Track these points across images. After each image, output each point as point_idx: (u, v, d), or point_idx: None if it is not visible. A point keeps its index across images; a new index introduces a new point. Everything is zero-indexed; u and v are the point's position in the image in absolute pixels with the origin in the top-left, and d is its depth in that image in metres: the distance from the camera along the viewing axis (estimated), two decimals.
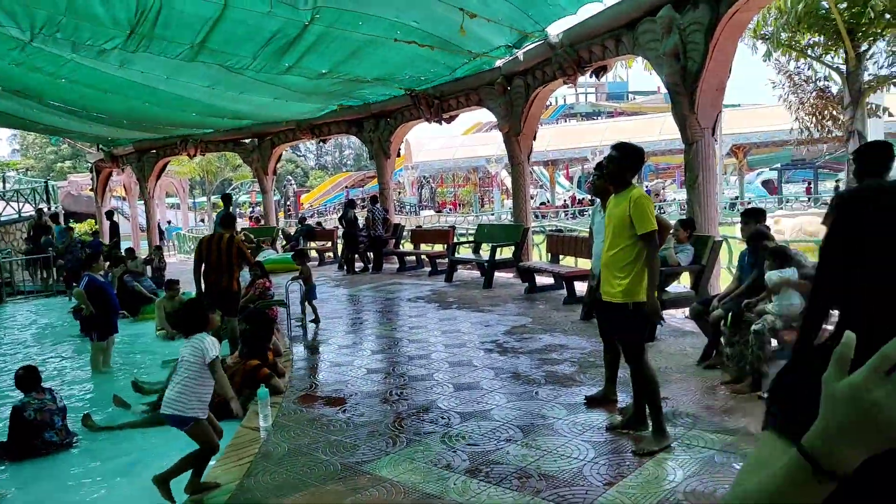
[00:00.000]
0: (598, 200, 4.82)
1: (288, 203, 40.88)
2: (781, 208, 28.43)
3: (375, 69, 12.41)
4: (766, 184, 44.05)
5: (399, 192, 47.91)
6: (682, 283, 7.95)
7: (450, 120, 14.12)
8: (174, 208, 39.62)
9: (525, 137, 11.76)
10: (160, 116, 15.55)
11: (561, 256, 10.43)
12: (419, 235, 14.38)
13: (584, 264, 10.49)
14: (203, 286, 7.81)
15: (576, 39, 9.47)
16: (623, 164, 4.18)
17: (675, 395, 4.95)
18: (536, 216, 33.38)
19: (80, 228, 27.37)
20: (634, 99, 77.22)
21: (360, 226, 14.76)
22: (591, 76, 10.19)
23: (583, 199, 39.90)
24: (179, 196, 35.67)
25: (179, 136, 19.72)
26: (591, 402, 4.97)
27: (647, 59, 8.26)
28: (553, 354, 6.56)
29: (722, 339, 5.31)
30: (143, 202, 22.89)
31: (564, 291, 9.43)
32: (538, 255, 13.62)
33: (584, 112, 66.29)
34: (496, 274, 11.78)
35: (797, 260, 4.97)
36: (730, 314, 5.07)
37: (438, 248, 14.67)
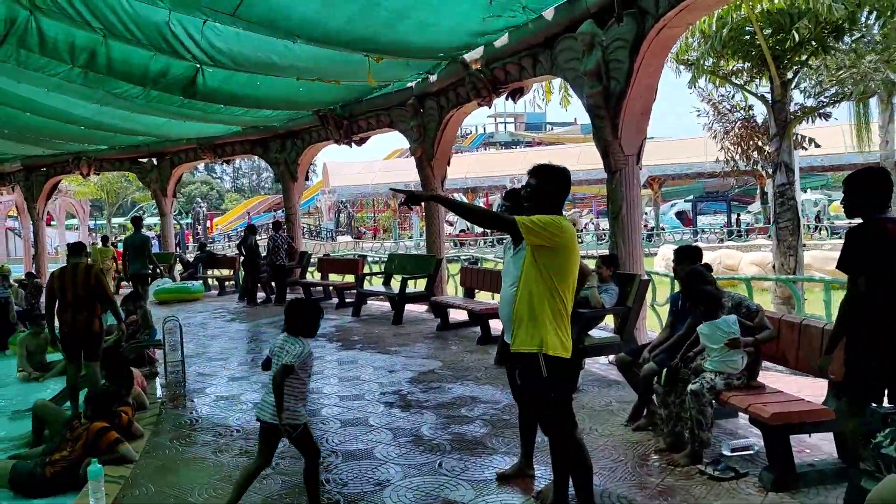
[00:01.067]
0: (508, 236, 3.98)
1: (198, 227, 38.70)
2: (698, 241, 28.86)
3: (279, 97, 11.45)
4: (680, 215, 45.31)
5: (317, 218, 46.47)
6: (606, 322, 7.29)
7: (360, 142, 13.22)
8: (75, 230, 36.69)
9: (439, 162, 10.99)
10: (44, 128, 13.89)
11: (476, 291, 9.64)
12: (327, 264, 13.30)
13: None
14: (56, 326, 6.59)
15: (490, 59, 8.80)
16: (547, 190, 3.39)
17: (604, 468, 4.15)
18: (455, 244, 32.94)
19: None
20: (552, 129, 79.06)
21: (263, 253, 13.55)
22: (507, 99, 9.53)
23: None
24: (79, 217, 33.00)
25: (72, 154, 17.93)
26: (504, 479, 4.11)
27: (567, 79, 7.65)
28: (463, 410, 5.67)
29: (654, 398, 4.57)
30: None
31: (479, 330, 8.61)
32: (454, 287, 12.83)
33: (504, 141, 67.15)
34: (408, 308, 10.87)
35: (745, 305, 4.31)
36: (664, 370, 4.33)
37: (350, 278, 13.67)
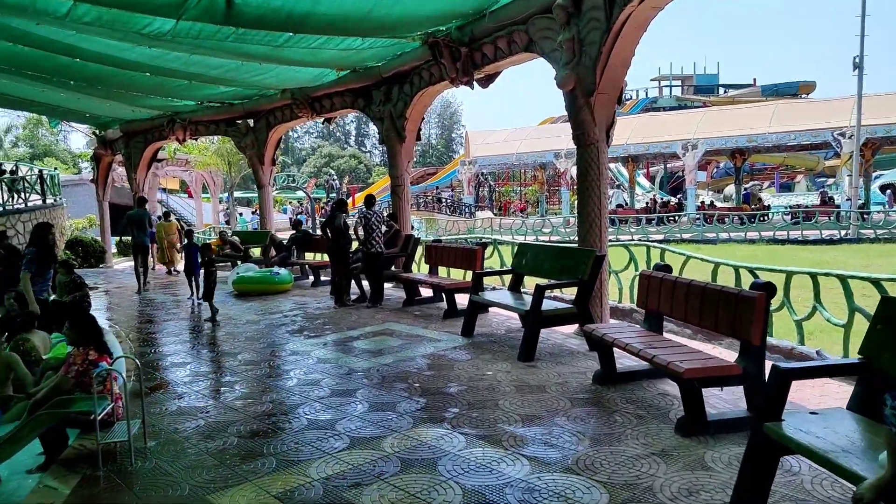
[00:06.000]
0: None
1: (329, 202, 36.94)
2: None
3: (354, 13, 7.96)
4: (886, 189, 36.59)
5: (459, 192, 43.31)
6: None
7: (486, 81, 9.34)
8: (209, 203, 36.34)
9: (604, 99, 6.85)
10: (107, 76, 11.57)
11: (667, 317, 5.49)
12: (436, 254, 9.61)
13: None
14: None
15: None
16: None
17: None
18: (612, 222, 28.11)
19: (79, 224, 24.07)
20: (727, 92, 69.99)
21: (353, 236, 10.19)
22: None
23: (668, 202, 34.03)
24: (210, 190, 32.25)
25: (166, 117, 15.88)
26: None
27: None
28: None
29: None
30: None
31: (676, 394, 4.52)
32: (625, 293, 8.79)
33: (669, 106, 59.99)
34: (550, 330, 6.97)
35: None
36: None
37: (461, 274, 10.04)
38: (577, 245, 7.18)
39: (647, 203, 33.53)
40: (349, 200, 44.61)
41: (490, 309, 8.37)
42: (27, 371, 5.92)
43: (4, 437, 4.10)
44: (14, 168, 23.13)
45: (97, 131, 19.88)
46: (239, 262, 13.61)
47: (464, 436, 4.43)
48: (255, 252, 14.92)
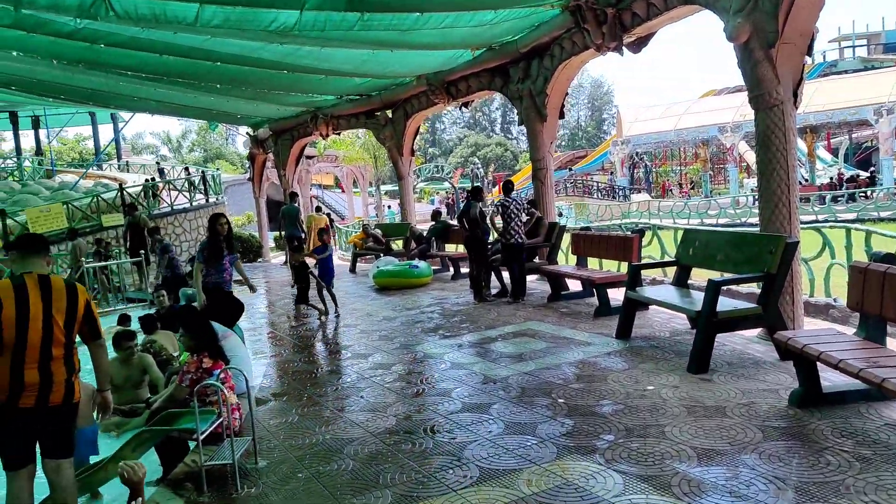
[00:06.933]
0: None
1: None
2: None
3: None
4: None
5: (612, 174, 41.23)
6: None
7: (637, 46, 8.16)
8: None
9: (789, 49, 5.53)
10: (247, 76, 11.81)
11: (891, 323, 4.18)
12: (584, 243, 8.59)
13: None
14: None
15: None
16: None
17: None
18: None
19: (238, 221, 25.49)
20: None
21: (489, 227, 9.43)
22: None
23: (857, 176, 29.86)
24: (360, 185, 33.11)
25: (309, 113, 16.17)
26: None
27: None
28: None
29: None
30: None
31: None
32: (817, 284, 7.31)
33: (853, 69, 53.14)
34: (727, 335, 5.75)
35: None
36: None
37: (614, 265, 8.98)
38: (757, 230, 5.91)
39: (831, 179, 29.68)
40: (495, 188, 44.07)
41: (650, 306, 7.26)
42: (160, 374, 5.82)
43: (108, 457, 3.81)
44: (183, 170, 25.05)
45: (250, 131, 20.85)
46: (381, 255, 13.47)
47: (621, 475, 3.52)
48: (398, 245, 14.71)
